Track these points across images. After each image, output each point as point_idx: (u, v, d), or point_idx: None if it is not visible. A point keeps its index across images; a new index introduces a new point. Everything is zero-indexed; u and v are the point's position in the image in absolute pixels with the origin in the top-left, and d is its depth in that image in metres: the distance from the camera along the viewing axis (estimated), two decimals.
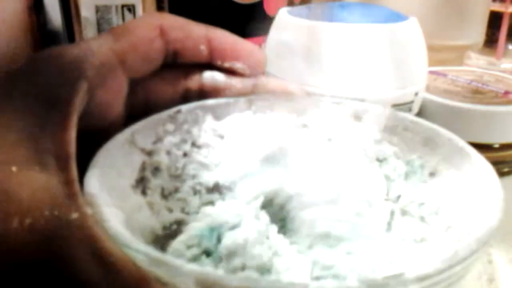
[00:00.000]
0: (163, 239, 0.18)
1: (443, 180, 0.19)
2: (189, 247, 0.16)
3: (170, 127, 0.20)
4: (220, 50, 0.21)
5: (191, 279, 0.12)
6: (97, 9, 0.35)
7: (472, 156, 0.18)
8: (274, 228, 0.18)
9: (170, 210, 0.19)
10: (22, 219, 0.12)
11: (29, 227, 0.12)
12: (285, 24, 0.30)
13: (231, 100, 0.21)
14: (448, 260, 0.12)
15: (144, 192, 0.18)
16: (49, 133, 0.14)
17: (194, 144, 0.20)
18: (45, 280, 0.12)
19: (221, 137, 0.21)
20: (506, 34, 0.54)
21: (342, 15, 0.29)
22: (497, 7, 0.54)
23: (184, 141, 0.20)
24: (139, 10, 0.36)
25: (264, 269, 0.15)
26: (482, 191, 0.16)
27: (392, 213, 0.20)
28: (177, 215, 0.19)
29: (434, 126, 0.20)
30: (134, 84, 0.20)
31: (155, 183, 0.19)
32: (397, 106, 0.28)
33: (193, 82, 0.21)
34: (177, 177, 0.20)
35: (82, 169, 0.15)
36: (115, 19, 0.36)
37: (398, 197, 0.20)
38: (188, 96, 0.21)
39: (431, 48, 0.31)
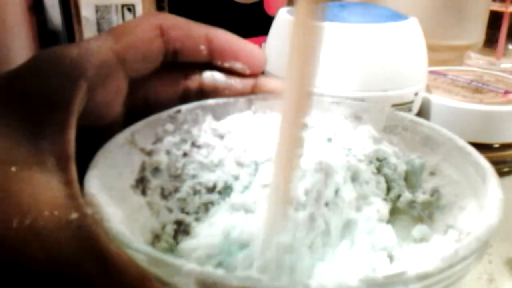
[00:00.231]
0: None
1: (443, 179, 0.19)
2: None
3: (170, 127, 0.20)
4: (220, 50, 0.21)
5: (191, 279, 0.12)
6: (97, 9, 0.35)
7: (472, 155, 0.18)
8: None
9: (170, 210, 0.19)
10: (22, 219, 0.12)
11: (29, 227, 0.12)
12: (285, 24, 0.30)
13: (231, 100, 0.21)
14: (448, 259, 0.12)
15: (144, 192, 0.18)
16: (49, 133, 0.14)
17: (194, 144, 0.20)
18: (45, 280, 0.12)
19: (221, 137, 0.21)
20: (506, 34, 0.54)
21: (342, 15, 0.29)
22: (497, 7, 0.54)
23: (184, 141, 0.20)
24: (139, 10, 0.36)
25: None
26: (482, 191, 0.16)
27: (392, 213, 0.20)
28: (177, 215, 0.19)
29: (434, 126, 0.20)
30: (134, 84, 0.20)
31: (155, 183, 0.19)
32: (397, 106, 0.28)
33: (193, 82, 0.21)
34: (177, 177, 0.20)
35: (82, 169, 0.15)
36: (115, 19, 0.36)
37: (398, 197, 0.20)
38: (188, 96, 0.21)
39: (431, 48, 0.31)
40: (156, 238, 0.18)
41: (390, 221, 0.20)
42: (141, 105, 0.20)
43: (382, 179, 0.20)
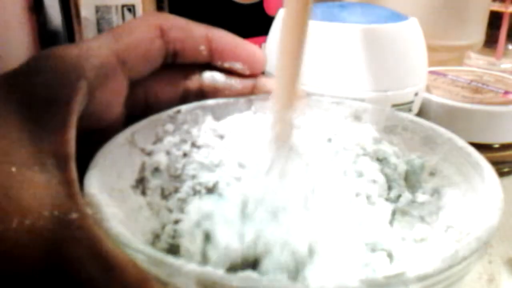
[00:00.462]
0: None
1: (443, 180, 0.19)
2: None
3: (169, 127, 0.20)
4: (220, 50, 0.21)
5: (191, 279, 0.12)
6: (97, 9, 0.35)
7: (472, 156, 0.18)
8: None
9: (170, 210, 0.19)
10: (22, 219, 0.12)
11: (29, 227, 0.12)
12: None
13: (231, 100, 0.21)
14: (448, 259, 0.12)
15: (144, 192, 0.18)
16: (49, 133, 0.14)
17: (194, 144, 0.20)
18: (45, 280, 0.12)
19: (221, 137, 0.21)
20: (506, 34, 0.54)
21: (342, 15, 0.29)
22: (497, 7, 0.54)
23: (184, 141, 0.20)
24: (139, 10, 0.36)
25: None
26: (482, 191, 0.16)
27: (392, 213, 0.20)
28: (177, 215, 0.19)
29: (434, 126, 0.20)
30: (134, 84, 0.20)
31: (155, 183, 0.19)
32: (397, 106, 0.28)
33: (193, 82, 0.21)
34: (177, 177, 0.20)
35: (82, 169, 0.15)
36: (115, 19, 0.36)
37: (398, 197, 0.20)
38: (188, 96, 0.21)
39: (431, 48, 0.31)
40: (156, 238, 0.18)
41: (390, 221, 0.20)
42: (141, 105, 0.20)
43: (381, 179, 0.20)
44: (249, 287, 0.11)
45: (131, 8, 0.36)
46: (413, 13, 0.31)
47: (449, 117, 0.32)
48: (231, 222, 0.17)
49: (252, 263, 0.16)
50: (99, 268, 0.12)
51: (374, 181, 0.20)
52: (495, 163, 0.17)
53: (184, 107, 0.20)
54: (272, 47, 0.31)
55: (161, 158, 0.19)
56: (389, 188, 0.20)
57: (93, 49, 0.17)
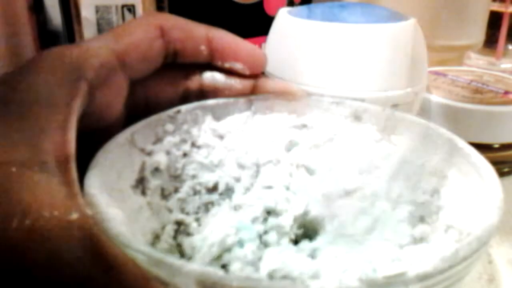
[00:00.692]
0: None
1: (443, 180, 0.19)
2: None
3: (169, 127, 0.20)
4: (221, 50, 0.21)
5: (192, 279, 0.12)
6: (97, 9, 0.35)
7: (472, 156, 0.18)
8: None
9: (170, 211, 0.19)
10: (22, 220, 0.12)
11: (28, 227, 0.12)
12: (285, 24, 0.30)
13: (231, 100, 0.21)
14: (448, 259, 0.12)
15: (144, 193, 0.18)
16: (49, 133, 0.14)
17: (193, 144, 0.20)
18: (45, 280, 0.12)
19: (221, 137, 0.21)
20: (506, 34, 0.54)
21: (342, 15, 0.29)
22: (497, 7, 0.54)
23: (183, 141, 0.20)
24: (139, 10, 0.36)
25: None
26: (482, 191, 0.16)
27: (393, 213, 0.20)
28: (177, 215, 0.19)
29: (434, 126, 0.20)
30: (134, 84, 0.20)
31: (155, 183, 0.19)
32: (397, 106, 0.28)
33: (193, 82, 0.21)
34: (177, 177, 0.20)
35: (82, 170, 0.15)
36: (115, 19, 0.36)
37: (398, 196, 0.20)
38: (188, 96, 0.21)
39: (431, 48, 0.31)
40: (156, 239, 0.18)
41: (390, 221, 0.20)
42: (142, 106, 0.20)
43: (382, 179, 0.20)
44: (249, 287, 0.11)
45: (131, 8, 0.36)
46: (413, 13, 0.31)
47: (449, 117, 0.32)
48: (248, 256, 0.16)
49: None
50: (99, 268, 0.12)
51: (375, 182, 0.20)
52: (495, 163, 0.17)
53: (184, 107, 0.20)
54: (272, 47, 0.31)
55: (161, 158, 0.19)
56: (390, 188, 0.20)
57: (93, 49, 0.17)
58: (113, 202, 0.15)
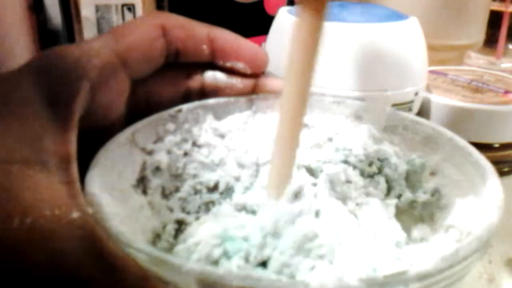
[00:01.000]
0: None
1: (443, 179, 0.19)
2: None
3: (170, 126, 0.20)
4: (222, 50, 0.21)
5: (192, 278, 0.12)
6: (97, 8, 0.35)
7: (473, 155, 0.18)
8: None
9: (171, 210, 0.19)
10: (23, 219, 0.12)
11: (29, 226, 0.12)
12: (285, 24, 0.30)
13: (231, 99, 0.21)
14: (448, 259, 0.12)
15: (144, 192, 0.18)
16: (51, 133, 0.14)
17: (194, 144, 0.20)
18: (45, 280, 0.12)
19: (222, 136, 0.21)
20: (506, 34, 0.54)
21: (342, 15, 0.29)
22: (497, 7, 0.54)
23: (184, 140, 0.20)
24: (139, 10, 0.36)
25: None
26: (482, 191, 0.16)
27: (393, 213, 0.20)
28: (177, 214, 0.19)
29: (435, 126, 0.20)
30: (136, 84, 0.20)
31: (155, 182, 0.19)
32: (397, 106, 0.28)
33: (195, 81, 0.21)
34: (178, 176, 0.20)
35: (83, 169, 0.15)
36: (115, 19, 0.36)
37: (399, 196, 0.20)
38: (189, 96, 0.21)
39: (431, 48, 0.31)
40: (157, 238, 0.18)
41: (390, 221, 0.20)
42: (143, 105, 0.20)
43: (382, 179, 0.20)
44: (249, 287, 0.11)
45: (131, 8, 0.36)
46: (413, 12, 0.31)
47: (449, 117, 0.32)
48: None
49: None
50: (100, 268, 0.12)
51: (375, 182, 0.20)
52: (495, 163, 0.17)
53: (185, 106, 0.20)
54: (272, 47, 0.31)
55: (162, 157, 0.19)
56: (390, 188, 0.20)
57: (94, 49, 0.17)
58: (114, 202, 0.15)
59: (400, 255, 0.17)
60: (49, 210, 0.12)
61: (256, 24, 0.40)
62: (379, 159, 0.21)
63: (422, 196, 0.19)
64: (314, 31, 0.16)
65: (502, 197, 0.15)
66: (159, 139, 0.20)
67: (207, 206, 0.20)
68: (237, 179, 0.20)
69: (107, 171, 0.16)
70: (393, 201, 0.20)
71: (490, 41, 0.52)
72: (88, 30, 0.35)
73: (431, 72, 0.37)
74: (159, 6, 0.37)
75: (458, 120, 0.31)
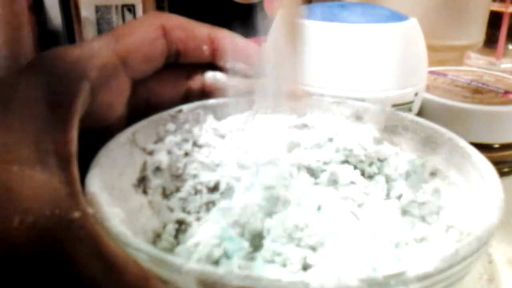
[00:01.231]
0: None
1: (443, 179, 0.19)
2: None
3: (171, 126, 0.20)
4: (223, 50, 0.21)
5: (192, 278, 0.12)
6: (97, 9, 0.35)
7: (473, 156, 0.18)
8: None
9: (171, 210, 0.19)
10: (23, 218, 0.12)
11: (30, 226, 0.12)
12: None
13: (232, 100, 0.21)
14: (448, 259, 0.12)
15: (145, 192, 0.18)
16: (51, 133, 0.14)
17: (195, 144, 0.20)
18: (46, 279, 0.12)
19: (222, 137, 0.21)
20: (506, 34, 0.54)
21: (342, 15, 0.29)
22: (497, 7, 0.54)
23: (185, 140, 0.20)
24: (139, 10, 0.36)
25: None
26: (482, 191, 0.16)
27: (393, 213, 0.20)
28: (178, 214, 0.19)
29: (435, 126, 0.20)
30: (136, 84, 0.20)
31: (156, 182, 0.19)
32: (397, 106, 0.28)
33: (195, 82, 0.21)
34: (178, 176, 0.20)
35: (84, 169, 0.15)
36: (115, 19, 0.36)
37: (399, 196, 0.20)
38: (190, 96, 0.21)
39: (431, 49, 0.31)
40: (157, 238, 0.18)
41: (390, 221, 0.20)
42: (144, 106, 0.20)
43: (382, 179, 0.20)
44: (249, 287, 0.11)
45: (131, 8, 0.36)
46: (413, 13, 0.31)
47: (449, 117, 0.32)
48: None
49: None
50: (100, 267, 0.12)
51: (375, 182, 0.20)
52: (495, 163, 0.17)
53: (185, 107, 0.20)
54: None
55: (162, 158, 0.19)
56: (390, 188, 0.21)
57: (95, 49, 0.17)
58: (114, 201, 0.15)
59: (400, 255, 0.17)
60: (49, 209, 0.12)
61: (256, 24, 0.40)
62: (379, 159, 0.21)
63: (422, 196, 0.19)
64: None
65: (502, 197, 0.15)
66: (159, 139, 0.20)
67: (208, 206, 0.20)
68: (238, 179, 0.20)
69: (107, 171, 0.16)
70: (393, 201, 0.20)
71: (490, 42, 0.52)
72: (88, 31, 0.35)
73: (431, 72, 0.37)
74: (159, 6, 0.37)
75: (458, 121, 0.31)
